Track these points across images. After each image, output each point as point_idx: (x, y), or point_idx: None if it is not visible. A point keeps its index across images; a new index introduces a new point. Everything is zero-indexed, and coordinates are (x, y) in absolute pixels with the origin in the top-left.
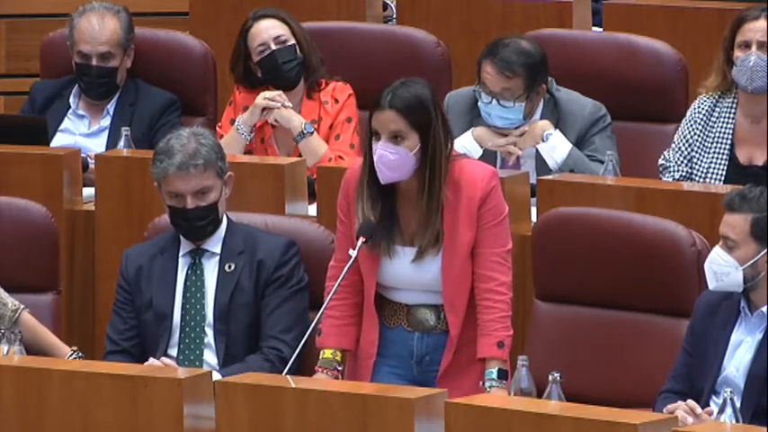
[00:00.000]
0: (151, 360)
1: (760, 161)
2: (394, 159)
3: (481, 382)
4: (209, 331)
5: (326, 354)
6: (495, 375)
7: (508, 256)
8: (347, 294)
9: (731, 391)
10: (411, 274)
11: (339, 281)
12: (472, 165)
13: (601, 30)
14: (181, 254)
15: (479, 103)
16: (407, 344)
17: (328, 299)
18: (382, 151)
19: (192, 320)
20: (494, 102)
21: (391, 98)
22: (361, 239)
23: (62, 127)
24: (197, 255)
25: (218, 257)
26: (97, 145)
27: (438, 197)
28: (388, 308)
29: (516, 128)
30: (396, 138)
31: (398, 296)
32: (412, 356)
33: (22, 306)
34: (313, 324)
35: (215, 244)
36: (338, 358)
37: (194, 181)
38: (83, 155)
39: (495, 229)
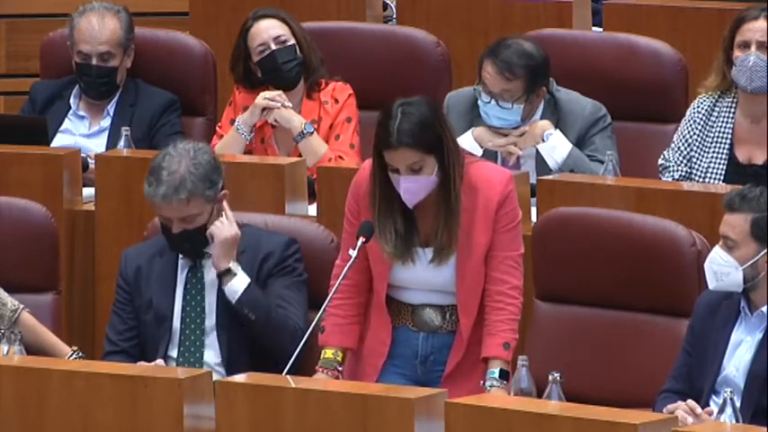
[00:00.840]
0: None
1: (759, 161)
2: (417, 187)
3: (482, 382)
4: (210, 334)
5: (327, 354)
6: (496, 375)
7: (521, 261)
8: (352, 294)
9: (731, 391)
10: (427, 275)
11: (339, 280)
12: (488, 168)
13: (601, 30)
14: (180, 255)
15: (479, 101)
16: (412, 344)
17: (330, 295)
18: (406, 185)
19: (191, 323)
20: (492, 102)
21: (398, 136)
22: (361, 239)
23: (62, 128)
24: (197, 257)
25: None
26: (97, 145)
27: (457, 199)
28: (392, 307)
29: (516, 128)
30: (414, 170)
31: (405, 296)
32: (416, 356)
33: (21, 306)
34: (313, 323)
35: None
36: (339, 358)
37: (177, 210)
38: (83, 155)
39: (510, 233)
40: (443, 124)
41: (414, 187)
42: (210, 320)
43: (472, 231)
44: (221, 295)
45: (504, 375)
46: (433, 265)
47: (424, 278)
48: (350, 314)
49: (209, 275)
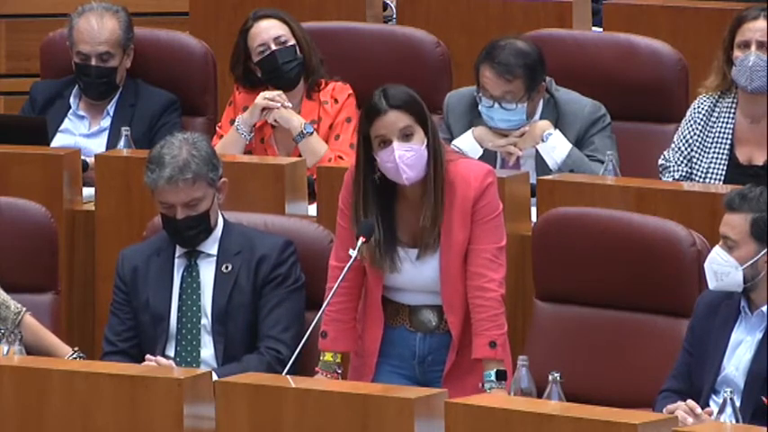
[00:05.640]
0: (147, 356)
1: (760, 161)
2: (412, 156)
3: (480, 384)
4: (206, 333)
5: (327, 357)
6: (493, 377)
7: (500, 253)
8: (351, 296)
9: (731, 391)
10: (413, 275)
11: (339, 282)
12: (467, 165)
13: (601, 30)
14: (177, 255)
15: (481, 107)
16: (410, 344)
17: (328, 299)
18: (401, 152)
19: (188, 322)
20: (496, 105)
21: (387, 100)
22: (361, 240)
23: (62, 127)
24: (193, 256)
25: (214, 259)
26: (97, 145)
27: (443, 194)
28: (390, 308)
29: (517, 128)
30: (406, 136)
31: (401, 297)
32: (414, 357)
33: (24, 309)
34: (312, 325)
35: (211, 245)
36: (338, 360)
37: (183, 193)
38: (82, 157)
39: (486, 226)
40: (427, 110)
41: (410, 157)
42: (207, 319)
43: (451, 229)
44: (217, 294)
45: (502, 376)
46: (418, 265)
47: (412, 278)
48: (351, 317)
49: (206, 275)
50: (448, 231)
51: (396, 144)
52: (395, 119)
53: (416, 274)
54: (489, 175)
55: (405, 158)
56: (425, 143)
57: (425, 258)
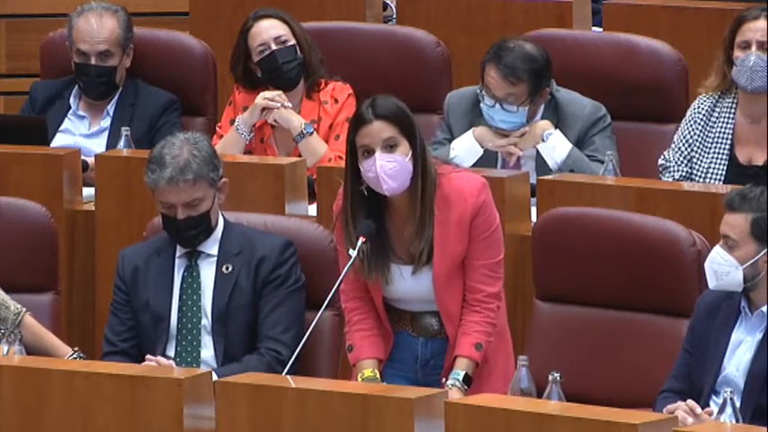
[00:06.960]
0: (148, 356)
1: (760, 161)
2: (395, 167)
3: (444, 379)
4: (207, 333)
5: (367, 373)
6: (460, 378)
7: (498, 267)
8: (370, 307)
9: (731, 391)
10: (413, 290)
11: (339, 282)
12: (461, 178)
13: (601, 30)
14: (177, 255)
15: (482, 105)
16: (412, 348)
17: (329, 298)
18: (382, 162)
19: (188, 323)
20: (497, 105)
21: (373, 110)
22: (361, 239)
23: (62, 127)
24: (193, 257)
25: (214, 259)
26: (97, 145)
27: (431, 205)
28: (393, 314)
29: (517, 129)
30: (390, 146)
31: (402, 305)
32: (416, 361)
33: (24, 309)
34: (312, 326)
35: (211, 246)
36: (378, 376)
37: (184, 194)
38: (82, 157)
39: (485, 242)
40: (416, 123)
41: (392, 168)
42: (207, 320)
43: (447, 243)
44: (218, 294)
45: (468, 381)
46: (415, 278)
47: (412, 291)
48: (374, 326)
49: (206, 275)
50: (444, 245)
51: (378, 154)
52: (379, 129)
53: (416, 288)
54: (483, 191)
55: (386, 169)
56: (410, 155)
57: (422, 273)
